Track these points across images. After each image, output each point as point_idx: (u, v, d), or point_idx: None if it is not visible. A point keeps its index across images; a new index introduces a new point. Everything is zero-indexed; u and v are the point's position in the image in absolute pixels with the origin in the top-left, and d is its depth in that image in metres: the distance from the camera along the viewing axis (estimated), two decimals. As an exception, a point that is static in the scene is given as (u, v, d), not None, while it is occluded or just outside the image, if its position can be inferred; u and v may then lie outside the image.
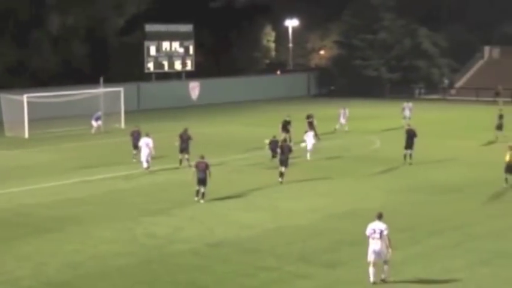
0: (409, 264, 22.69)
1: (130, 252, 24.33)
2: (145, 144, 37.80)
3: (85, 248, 24.68)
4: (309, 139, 42.05)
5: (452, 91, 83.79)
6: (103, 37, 77.31)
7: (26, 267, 22.81)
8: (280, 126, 46.52)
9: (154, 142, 38.14)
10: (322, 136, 47.77)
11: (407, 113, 56.07)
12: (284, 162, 35.30)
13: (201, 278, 21.85)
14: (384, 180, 35.98)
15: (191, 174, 31.81)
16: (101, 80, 57.00)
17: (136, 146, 39.83)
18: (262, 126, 53.41)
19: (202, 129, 51.73)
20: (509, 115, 51.11)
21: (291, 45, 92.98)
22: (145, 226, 27.51)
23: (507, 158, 33.99)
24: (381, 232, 20.83)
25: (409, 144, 40.21)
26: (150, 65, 73.80)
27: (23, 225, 27.89)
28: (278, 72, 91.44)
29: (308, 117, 48.54)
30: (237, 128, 56.24)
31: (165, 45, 74.84)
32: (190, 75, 77.25)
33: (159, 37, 74.21)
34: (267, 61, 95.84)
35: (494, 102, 70.20)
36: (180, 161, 38.92)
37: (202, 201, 30.99)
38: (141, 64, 73.21)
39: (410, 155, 40.05)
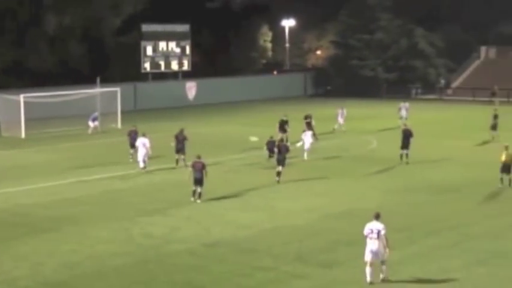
0: (406, 264, 22.70)
1: (127, 252, 24.32)
2: (142, 144, 37.79)
3: (82, 248, 24.66)
4: (307, 138, 42.06)
5: (449, 91, 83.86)
6: (100, 37, 77.26)
7: (22, 267, 22.79)
8: (277, 125, 46.55)
9: (151, 142, 38.15)
10: (319, 136, 47.76)
11: (403, 113, 56.12)
12: (281, 162, 35.37)
13: (197, 278, 21.84)
14: (380, 180, 36.00)
15: (187, 174, 31.80)
16: (98, 80, 56.95)
17: (133, 146, 39.84)
18: (259, 126, 53.38)
19: (199, 129, 51.76)
20: (505, 115, 51.18)
21: (287, 45, 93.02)
22: (142, 226, 27.50)
23: (503, 157, 34.08)
24: (379, 232, 20.85)
25: (405, 144, 40.26)
26: (147, 65, 73.76)
27: (19, 225, 27.86)
28: (275, 72, 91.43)
29: (306, 117, 48.53)
30: (233, 128, 56.23)
31: (162, 45, 74.79)
32: (187, 75, 77.22)
33: (156, 37, 74.17)
34: (264, 61, 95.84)
35: (491, 103, 70.30)
36: (177, 161, 38.91)
37: (198, 201, 30.99)
38: (138, 64, 73.17)
39: (407, 155, 40.09)
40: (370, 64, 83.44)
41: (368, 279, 20.90)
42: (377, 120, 59.63)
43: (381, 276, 21.06)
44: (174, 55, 75.92)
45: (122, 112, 57.81)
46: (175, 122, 53.28)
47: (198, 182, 31.06)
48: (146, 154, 37.75)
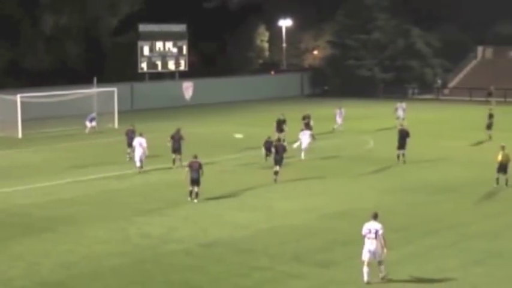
0: (403, 264, 22.70)
1: (124, 252, 24.29)
2: (139, 144, 37.77)
3: (78, 248, 24.63)
4: (305, 138, 42.03)
5: (446, 91, 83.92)
6: (96, 37, 77.27)
7: (19, 267, 22.75)
8: (274, 125, 46.50)
9: (147, 142, 38.12)
10: (316, 136, 47.70)
11: (400, 113, 56.13)
12: (279, 162, 35.37)
13: (194, 278, 21.82)
14: (377, 180, 35.99)
15: (184, 174, 31.77)
16: (95, 80, 56.94)
17: (130, 145, 39.78)
18: (256, 126, 53.38)
19: (195, 129, 51.74)
20: (501, 115, 51.19)
21: (284, 45, 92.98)
22: (139, 226, 27.47)
23: (499, 157, 34.08)
24: (376, 232, 20.85)
25: (401, 145, 40.25)
26: (144, 65, 73.70)
27: (16, 225, 27.81)
28: (272, 72, 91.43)
29: (304, 118, 48.36)
30: (230, 128, 56.08)
31: (159, 45, 74.76)
32: (183, 75, 77.18)
33: (153, 37, 74.12)
34: (261, 61, 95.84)
35: (487, 102, 70.30)
36: (173, 161, 38.89)
37: (195, 201, 30.96)
38: (135, 64, 73.09)
39: (403, 155, 40.09)
40: (367, 64, 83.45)
41: (365, 278, 20.89)
42: (374, 120, 59.64)
43: (380, 275, 21.05)
44: (171, 55, 75.87)
45: (119, 112, 57.78)
46: (172, 122, 53.23)
47: (195, 182, 31.03)
48: (143, 154, 37.73)
